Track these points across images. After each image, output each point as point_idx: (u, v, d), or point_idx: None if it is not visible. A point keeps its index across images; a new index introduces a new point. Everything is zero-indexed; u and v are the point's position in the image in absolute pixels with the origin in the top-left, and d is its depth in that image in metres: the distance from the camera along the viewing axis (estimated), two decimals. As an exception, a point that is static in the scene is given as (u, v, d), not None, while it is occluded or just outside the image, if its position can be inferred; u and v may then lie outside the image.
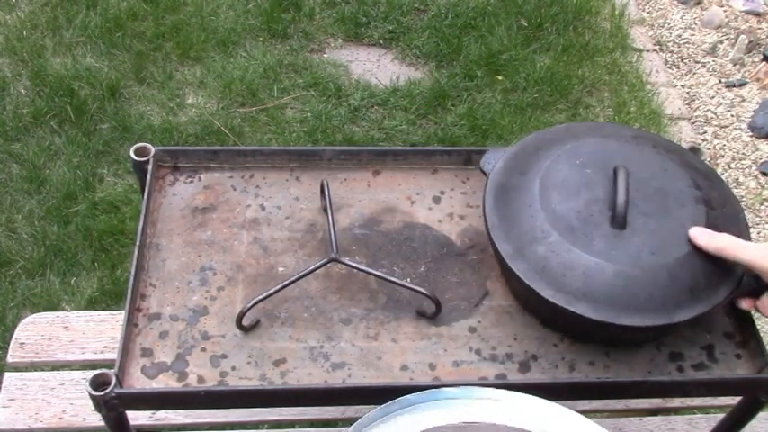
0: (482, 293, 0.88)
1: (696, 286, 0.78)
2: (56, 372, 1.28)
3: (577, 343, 0.85)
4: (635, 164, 0.84)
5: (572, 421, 0.71)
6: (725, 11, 2.81)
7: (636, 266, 0.78)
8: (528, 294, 0.80)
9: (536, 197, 0.82)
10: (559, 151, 0.86)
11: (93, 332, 1.27)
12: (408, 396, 0.71)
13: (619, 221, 0.79)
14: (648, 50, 2.71)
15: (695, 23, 2.80)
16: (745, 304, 0.82)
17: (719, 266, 0.79)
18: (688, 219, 0.81)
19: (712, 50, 2.69)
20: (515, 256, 0.80)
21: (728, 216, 0.84)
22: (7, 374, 1.25)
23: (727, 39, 2.72)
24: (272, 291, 0.83)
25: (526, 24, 2.65)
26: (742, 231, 0.83)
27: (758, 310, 0.81)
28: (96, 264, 1.93)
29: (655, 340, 0.86)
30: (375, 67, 2.53)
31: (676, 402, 1.29)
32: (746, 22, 2.76)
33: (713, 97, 2.55)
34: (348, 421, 1.22)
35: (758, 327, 0.85)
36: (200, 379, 0.80)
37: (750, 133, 2.43)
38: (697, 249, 0.78)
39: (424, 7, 2.70)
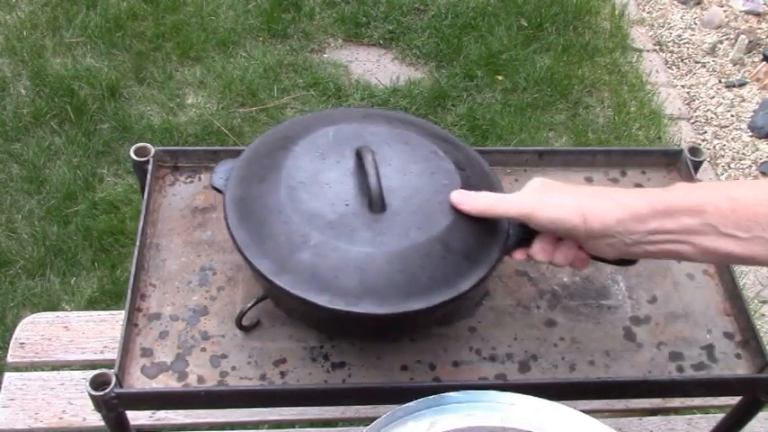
0: (482, 293, 0.88)
1: (470, 251, 0.75)
2: (56, 372, 1.28)
3: (577, 343, 0.85)
4: (375, 142, 0.80)
5: (581, 423, 0.69)
6: (725, 11, 2.81)
7: (407, 246, 0.73)
8: (303, 308, 0.73)
9: (284, 201, 0.75)
10: (295, 148, 0.80)
11: (93, 332, 1.27)
12: (411, 404, 0.68)
13: (377, 205, 0.75)
14: (648, 50, 2.71)
15: (695, 23, 2.80)
16: (519, 255, 0.79)
17: (486, 225, 0.77)
18: (444, 185, 0.78)
19: (712, 50, 2.69)
20: (279, 270, 0.72)
21: (479, 173, 0.83)
22: (7, 374, 1.25)
23: (727, 39, 2.72)
24: (271, 291, 0.83)
25: (526, 24, 2.65)
26: (494, 184, 0.82)
27: (532, 259, 0.78)
28: (96, 264, 1.93)
29: (447, 313, 0.83)
30: (375, 67, 2.53)
31: (676, 402, 1.29)
32: (746, 22, 2.77)
33: (713, 97, 2.55)
34: (348, 421, 1.22)
35: (758, 327, 0.85)
36: (200, 379, 0.80)
37: (750, 133, 2.43)
38: (462, 214, 0.76)
39: (424, 7, 2.70)
